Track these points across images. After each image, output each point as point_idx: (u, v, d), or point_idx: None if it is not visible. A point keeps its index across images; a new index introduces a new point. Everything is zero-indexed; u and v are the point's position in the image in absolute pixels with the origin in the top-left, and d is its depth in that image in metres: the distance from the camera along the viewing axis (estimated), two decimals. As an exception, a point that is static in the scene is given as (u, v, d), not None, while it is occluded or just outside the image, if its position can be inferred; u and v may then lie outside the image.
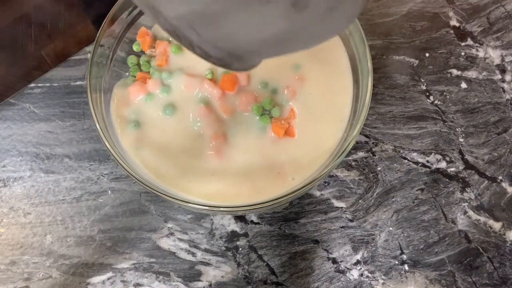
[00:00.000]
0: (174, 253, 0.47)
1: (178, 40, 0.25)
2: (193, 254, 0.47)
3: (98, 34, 0.43)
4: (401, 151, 0.50)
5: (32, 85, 0.53)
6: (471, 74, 0.54)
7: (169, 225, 0.47)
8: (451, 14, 0.57)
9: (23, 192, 0.49)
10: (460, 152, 0.50)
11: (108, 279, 0.46)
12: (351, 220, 0.48)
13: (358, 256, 0.46)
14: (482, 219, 0.48)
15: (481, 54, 0.55)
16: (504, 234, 0.47)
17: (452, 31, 0.56)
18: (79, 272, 0.46)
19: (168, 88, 0.44)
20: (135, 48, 0.47)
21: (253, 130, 0.44)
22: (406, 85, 0.53)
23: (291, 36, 0.26)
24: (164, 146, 0.43)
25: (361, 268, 0.46)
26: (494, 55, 0.55)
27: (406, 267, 0.46)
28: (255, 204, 0.38)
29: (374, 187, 0.49)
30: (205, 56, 0.27)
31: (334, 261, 0.46)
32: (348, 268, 0.46)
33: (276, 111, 0.43)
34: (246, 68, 0.31)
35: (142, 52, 0.48)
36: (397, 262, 0.46)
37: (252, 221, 0.47)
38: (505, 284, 0.45)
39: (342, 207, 0.48)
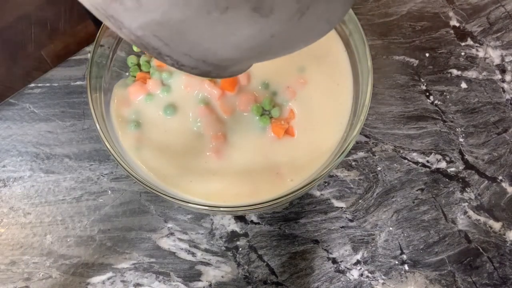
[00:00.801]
0: (174, 253, 0.47)
1: (146, 50, 0.24)
2: (193, 254, 0.47)
3: (98, 34, 0.43)
4: (401, 151, 0.50)
5: (32, 85, 0.53)
6: (471, 74, 0.54)
7: (169, 225, 0.47)
8: (451, 14, 0.57)
9: (23, 192, 0.49)
10: (460, 152, 0.50)
11: (108, 279, 0.46)
12: (351, 220, 0.48)
13: (358, 256, 0.46)
14: (482, 219, 0.48)
15: (481, 54, 0.55)
16: (504, 234, 0.47)
17: (452, 31, 0.56)
18: (79, 272, 0.46)
19: (168, 88, 0.44)
20: (135, 48, 0.47)
21: (253, 130, 0.44)
22: (406, 85, 0.53)
23: (265, 42, 0.25)
24: (164, 146, 0.43)
25: (361, 268, 0.46)
26: (494, 55, 0.55)
27: (406, 267, 0.46)
28: (255, 204, 0.38)
29: (374, 187, 0.49)
30: (177, 65, 0.26)
31: (334, 261, 0.46)
32: (348, 268, 0.46)
33: (275, 111, 0.43)
34: (230, 75, 0.30)
35: (142, 52, 0.48)
36: (397, 262, 0.46)
37: (252, 221, 0.47)
38: (505, 284, 0.46)
39: (342, 207, 0.48)
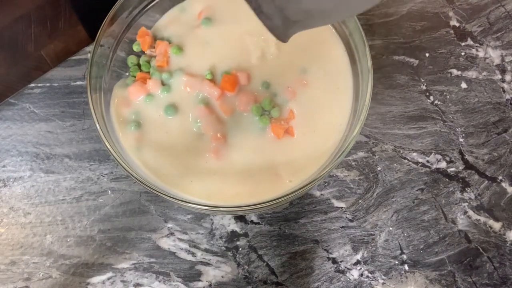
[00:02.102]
0: (174, 253, 0.47)
1: None
2: (193, 254, 0.47)
3: (98, 34, 0.43)
4: (401, 151, 0.50)
5: (32, 85, 0.53)
6: (471, 74, 0.54)
7: (169, 225, 0.47)
8: (451, 14, 0.57)
9: (23, 192, 0.49)
10: (460, 152, 0.50)
11: (108, 279, 0.46)
12: (351, 220, 0.48)
13: (358, 256, 0.46)
14: (482, 219, 0.48)
15: (481, 54, 0.55)
16: (504, 234, 0.47)
17: (452, 31, 0.56)
18: (79, 272, 0.46)
19: (168, 89, 0.44)
20: (135, 48, 0.47)
21: (253, 130, 0.44)
22: (406, 85, 0.53)
23: None
24: (164, 146, 0.43)
25: (361, 268, 0.46)
26: (494, 55, 0.55)
27: (406, 267, 0.46)
28: (255, 204, 0.38)
29: (374, 187, 0.49)
30: (258, 10, 0.28)
31: (334, 261, 0.46)
32: (348, 268, 0.46)
33: (275, 111, 0.43)
34: (282, 37, 0.32)
35: (142, 52, 0.48)
36: (397, 262, 0.46)
37: (252, 221, 0.47)
38: (505, 284, 0.46)
39: (342, 207, 0.48)
